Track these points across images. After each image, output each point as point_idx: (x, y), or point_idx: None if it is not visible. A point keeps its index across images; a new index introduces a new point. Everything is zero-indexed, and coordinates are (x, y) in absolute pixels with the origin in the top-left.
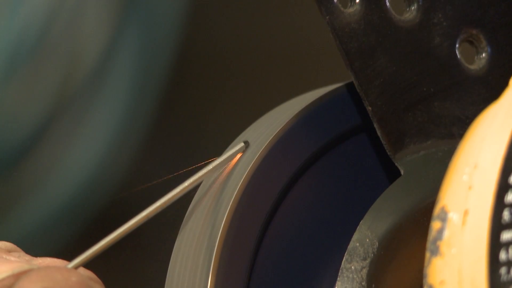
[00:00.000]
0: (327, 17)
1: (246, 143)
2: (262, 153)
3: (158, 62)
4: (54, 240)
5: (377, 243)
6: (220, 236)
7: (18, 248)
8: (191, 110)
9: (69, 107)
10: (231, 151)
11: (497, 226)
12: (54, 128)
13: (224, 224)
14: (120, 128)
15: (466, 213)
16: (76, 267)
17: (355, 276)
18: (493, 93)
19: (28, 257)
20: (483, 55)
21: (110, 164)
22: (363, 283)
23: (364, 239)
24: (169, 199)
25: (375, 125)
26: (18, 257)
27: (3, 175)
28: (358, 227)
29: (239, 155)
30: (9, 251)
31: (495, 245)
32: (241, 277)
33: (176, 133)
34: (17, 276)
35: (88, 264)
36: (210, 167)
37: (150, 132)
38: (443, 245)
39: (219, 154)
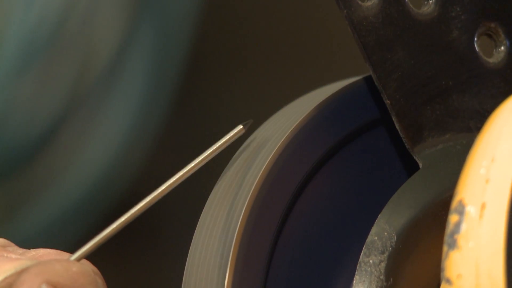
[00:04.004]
0: (345, 11)
1: (248, 123)
2: (280, 146)
3: (171, 60)
4: (67, 236)
5: (395, 237)
6: (237, 232)
7: (11, 243)
8: (205, 107)
9: (83, 105)
10: (232, 132)
11: None
12: (68, 126)
13: (242, 219)
14: (133, 125)
15: (483, 206)
16: (78, 259)
17: (373, 269)
18: None
19: (21, 250)
20: (502, 48)
21: (123, 161)
22: (381, 277)
23: (382, 232)
24: (170, 185)
25: (394, 119)
26: (12, 251)
27: (16, 172)
28: (376, 220)
29: (239, 134)
30: (3, 246)
31: None
32: (259, 271)
33: (189, 129)
34: (20, 274)
35: (103, 262)
36: (212, 148)
37: (163, 130)
38: (461, 238)
39: (234, 151)
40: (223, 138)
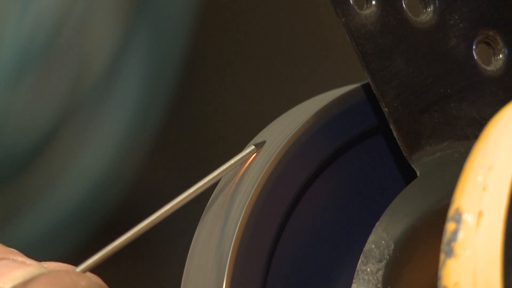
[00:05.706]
0: (343, 19)
1: (261, 144)
2: (278, 153)
3: (167, 65)
4: (64, 243)
5: (392, 245)
6: (235, 238)
7: (20, 253)
8: (202, 112)
9: (79, 111)
10: (245, 151)
11: (511, 227)
12: (64, 132)
13: (240, 225)
14: (130, 131)
15: (480, 214)
16: (83, 271)
17: (370, 278)
18: (510, 95)
19: (32, 261)
20: (500, 56)
21: (120, 167)
22: (379, 285)
23: (380, 241)
24: (180, 201)
25: (392, 127)
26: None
27: (12, 178)
28: (373, 229)
29: (254, 155)
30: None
31: (510, 246)
32: (256, 279)
33: (187, 135)
34: (27, 282)
35: (99, 270)
36: (224, 167)
37: (160, 135)
38: (458, 246)
39: (232, 156)
40: (235, 157)
